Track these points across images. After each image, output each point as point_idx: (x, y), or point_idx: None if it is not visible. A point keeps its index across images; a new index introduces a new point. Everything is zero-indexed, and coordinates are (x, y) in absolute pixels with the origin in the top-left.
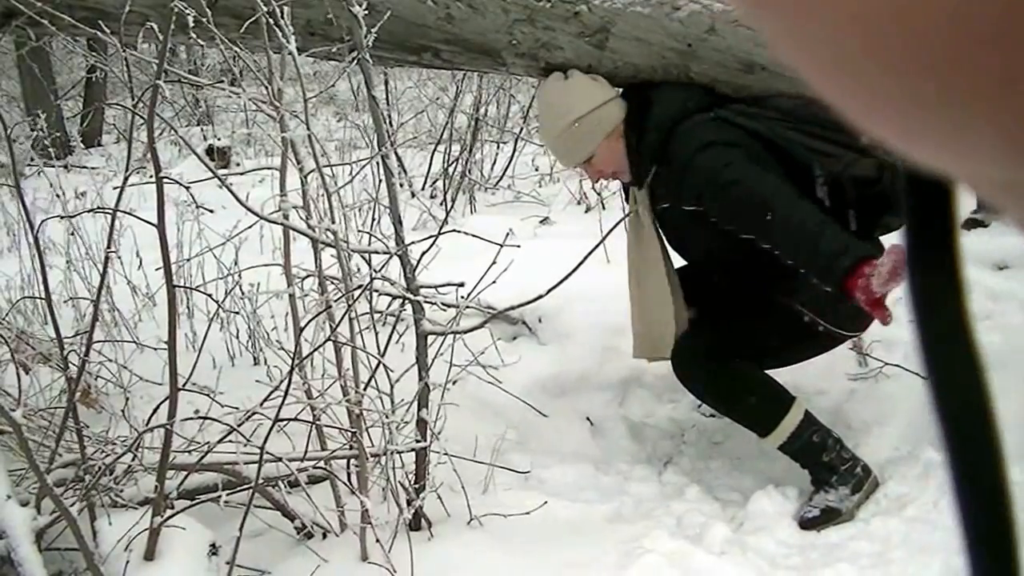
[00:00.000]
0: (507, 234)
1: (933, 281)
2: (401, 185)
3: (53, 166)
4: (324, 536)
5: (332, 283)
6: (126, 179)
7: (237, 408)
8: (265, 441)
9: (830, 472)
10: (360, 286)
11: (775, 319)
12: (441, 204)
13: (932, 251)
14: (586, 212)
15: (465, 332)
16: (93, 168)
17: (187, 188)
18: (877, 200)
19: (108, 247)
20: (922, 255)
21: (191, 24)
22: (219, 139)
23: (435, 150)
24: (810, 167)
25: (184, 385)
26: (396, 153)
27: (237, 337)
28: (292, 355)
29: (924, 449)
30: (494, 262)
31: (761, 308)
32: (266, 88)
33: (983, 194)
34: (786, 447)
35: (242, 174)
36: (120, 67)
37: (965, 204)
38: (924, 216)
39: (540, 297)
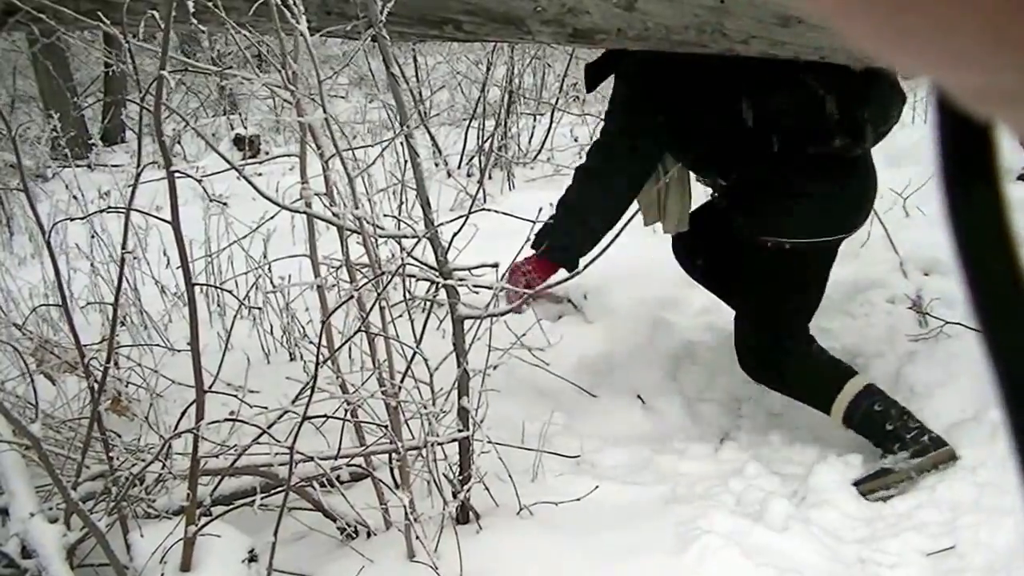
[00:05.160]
0: (540, 210)
1: (972, 214)
2: (436, 165)
3: (78, 166)
4: (369, 536)
5: (360, 271)
6: (138, 176)
7: (266, 408)
8: (295, 440)
9: (896, 441)
10: (384, 272)
11: (774, 272)
12: (478, 182)
13: (968, 183)
14: None
15: (503, 314)
16: (116, 166)
17: (199, 181)
18: (800, 131)
19: (124, 247)
20: (958, 187)
21: (200, 10)
22: (246, 128)
23: (468, 126)
24: (738, 91)
25: (211, 386)
26: (429, 132)
27: (271, 333)
28: (317, 348)
29: (990, 410)
30: (528, 240)
31: (758, 268)
32: (280, 72)
33: (973, 103)
34: (848, 420)
35: (261, 163)
36: (136, 60)
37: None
38: (959, 151)
39: (577, 273)
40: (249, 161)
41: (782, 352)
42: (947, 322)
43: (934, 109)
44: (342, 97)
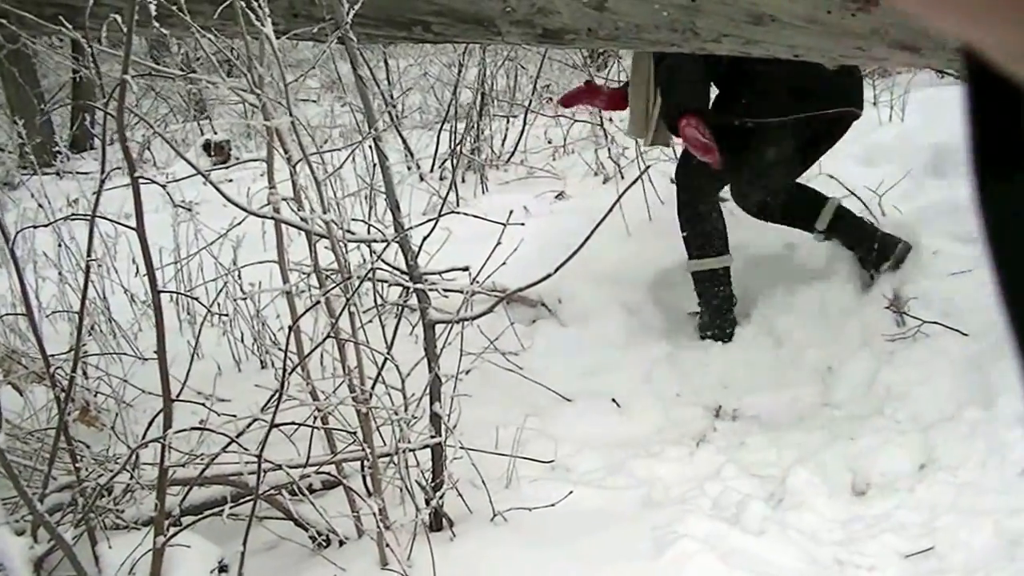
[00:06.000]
0: (510, 213)
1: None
2: (408, 168)
3: (45, 173)
4: (340, 544)
5: (330, 277)
6: (101, 183)
7: (235, 416)
8: (262, 448)
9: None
10: (351, 277)
11: (771, 138)
12: (450, 185)
13: (1006, 173)
14: (604, 183)
15: (474, 318)
16: (85, 173)
17: (164, 188)
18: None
19: (89, 256)
20: (995, 176)
21: (165, 14)
22: (216, 133)
23: (441, 129)
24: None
25: (179, 394)
26: (401, 135)
27: (242, 341)
28: (284, 355)
29: (968, 409)
30: (499, 243)
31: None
32: (246, 76)
33: (1009, 65)
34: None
35: (229, 168)
36: (106, 66)
37: None
38: (996, 138)
39: (548, 276)
40: (217, 167)
41: (775, 192)
42: (924, 321)
43: (968, 96)
44: (314, 101)
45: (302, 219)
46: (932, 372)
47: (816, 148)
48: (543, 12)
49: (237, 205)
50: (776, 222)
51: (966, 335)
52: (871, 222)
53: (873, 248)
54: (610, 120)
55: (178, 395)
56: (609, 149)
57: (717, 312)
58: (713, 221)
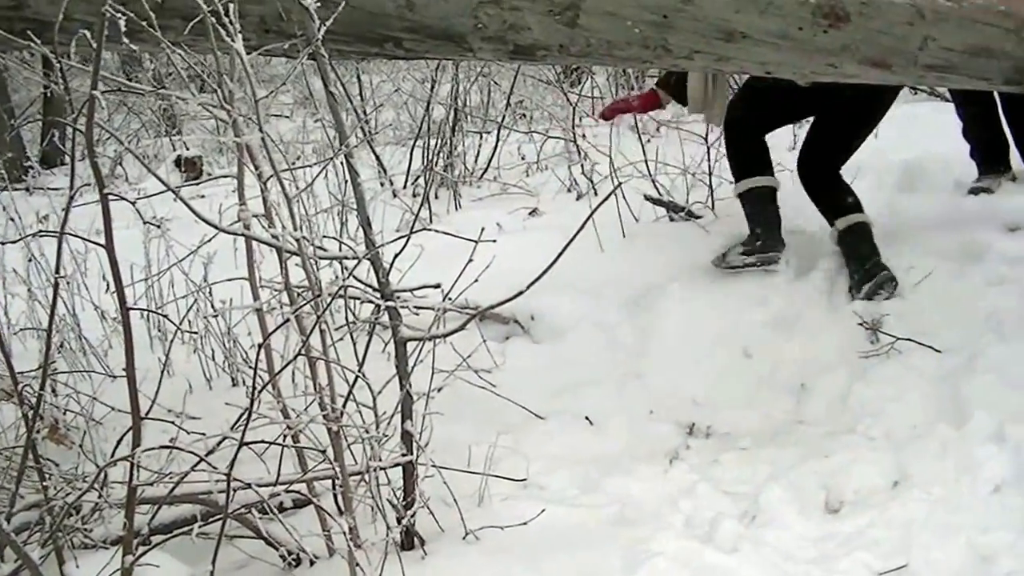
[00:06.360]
0: (482, 230)
1: None
2: (382, 184)
3: (15, 189)
4: (311, 563)
5: (300, 294)
6: (70, 199)
7: (204, 435)
8: (232, 467)
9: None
10: (322, 294)
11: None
12: (422, 202)
13: None
14: (577, 200)
15: (445, 336)
16: (55, 189)
17: (133, 204)
18: None
19: (57, 272)
20: None
21: (136, 30)
22: (188, 148)
23: (414, 145)
24: None
25: (148, 412)
26: (374, 151)
27: (213, 358)
28: (254, 372)
29: (941, 426)
30: (470, 260)
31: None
32: (216, 92)
33: None
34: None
35: (199, 184)
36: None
37: None
38: None
39: (520, 293)
40: (189, 183)
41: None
42: (898, 338)
43: None
44: (286, 116)
45: (273, 236)
46: (905, 389)
47: (868, 125)
48: (515, 28)
49: (207, 222)
50: (812, 196)
51: (939, 352)
52: (877, 251)
53: (863, 268)
54: (583, 136)
55: (147, 413)
56: (582, 165)
57: (767, 229)
58: (755, 147)
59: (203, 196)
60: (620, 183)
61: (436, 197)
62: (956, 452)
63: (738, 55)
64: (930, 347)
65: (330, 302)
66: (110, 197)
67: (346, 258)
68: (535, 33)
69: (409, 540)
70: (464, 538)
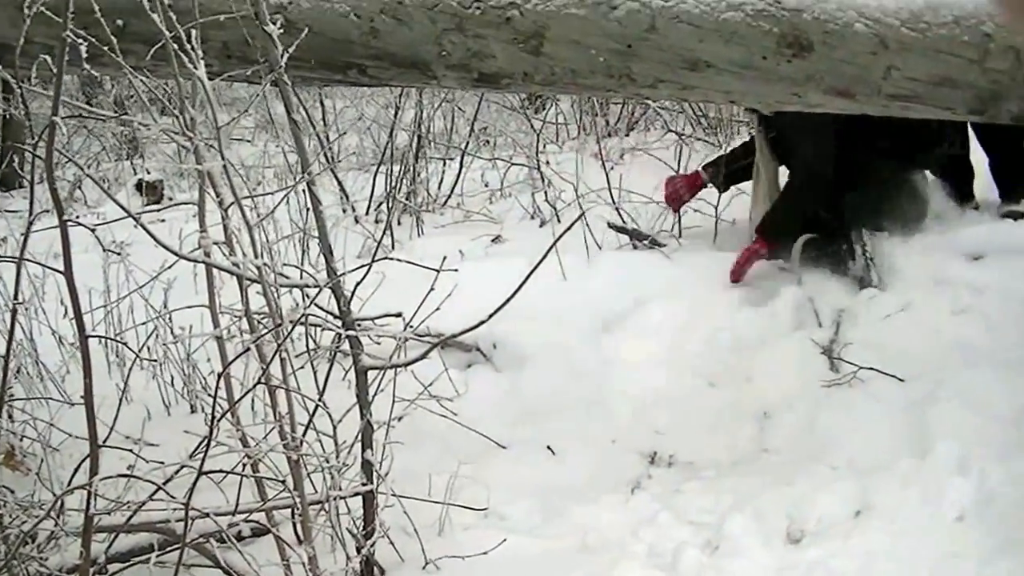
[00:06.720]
0: (444, 258)
1: None
2: (344, 211)
3: None
4: None
5: (261, 322)
6: (30, 224)
7: (163, 463)
8: (190, 495)
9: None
10: (283, 322)
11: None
12: (384, 229)
13: None
14: (541, 227)
15: (407, 364)
16: (13, 212)
17: (92, 231)
18: None
19: (15, 298)
20: None
21: (98, 54)
22: (149, 173)
23: (377, 172)
24: None
25: (106, 440)
26: (336, 177)
27: (172, 384)
28: (214, 401)
29: (904, 455)
30: (432, 288)
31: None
32: (178, 118)
33: None
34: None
35: (160, 209)
36: (36, 103)
37: None
38: None
39: (483, 322)
40: (148, 208)
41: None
42: (860, 367)
43: None
44: (248, 141)
45: (234, 263)
46: (868, 418)
47: None
48: (479, 56)
49: (168, 249)
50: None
51: (902, 380)
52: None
53: (843, 247)
54: (547, 163)
55: (105, 440)
56: (546, 192)
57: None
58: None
59: (163, 220)
60: (584, 211)
61: (399, 224)
62: (919, 481)
63: (702, 84)
64: (893, 376)
65: (291, 330)
66: (69, 224)
67: (307, 286)
68: (499, 61)
69: (369, 570)
70: (424, 568)
